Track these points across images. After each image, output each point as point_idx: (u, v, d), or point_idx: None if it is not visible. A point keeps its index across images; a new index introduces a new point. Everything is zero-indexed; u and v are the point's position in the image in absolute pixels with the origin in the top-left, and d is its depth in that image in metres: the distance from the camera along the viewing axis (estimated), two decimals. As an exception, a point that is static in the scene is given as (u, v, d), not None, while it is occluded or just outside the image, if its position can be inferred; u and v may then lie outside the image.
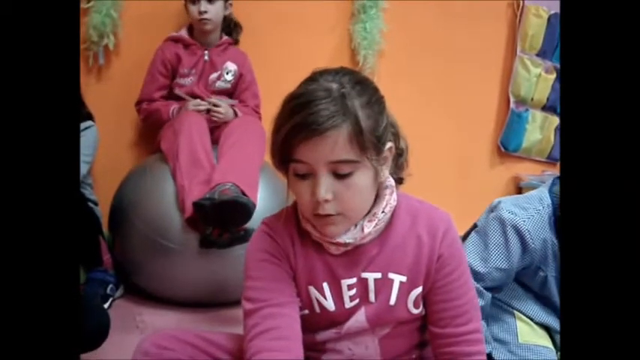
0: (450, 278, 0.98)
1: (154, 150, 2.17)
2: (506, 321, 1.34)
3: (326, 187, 0.88)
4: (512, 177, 2.96)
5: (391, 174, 0.99)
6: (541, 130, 2.94)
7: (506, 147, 2.93)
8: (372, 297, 0.99)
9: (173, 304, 1.92)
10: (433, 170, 2.57)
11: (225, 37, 2.29)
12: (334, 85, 0.88)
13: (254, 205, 1.77)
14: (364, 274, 0.98)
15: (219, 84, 2.24)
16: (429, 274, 0.98)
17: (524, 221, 1.26)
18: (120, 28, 2.29)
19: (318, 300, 0.99)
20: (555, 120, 2.94)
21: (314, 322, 1.01)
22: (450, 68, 2.76)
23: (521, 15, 2.81)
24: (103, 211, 2.09)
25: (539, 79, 2.86)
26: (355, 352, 1.03)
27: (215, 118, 2.11)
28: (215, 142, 2.01)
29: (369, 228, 0.95)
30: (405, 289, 0.99)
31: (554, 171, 2.92)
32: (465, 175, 2.89)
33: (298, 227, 1.00)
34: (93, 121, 2.09)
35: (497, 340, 1.31)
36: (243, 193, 1.79)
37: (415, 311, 1.00)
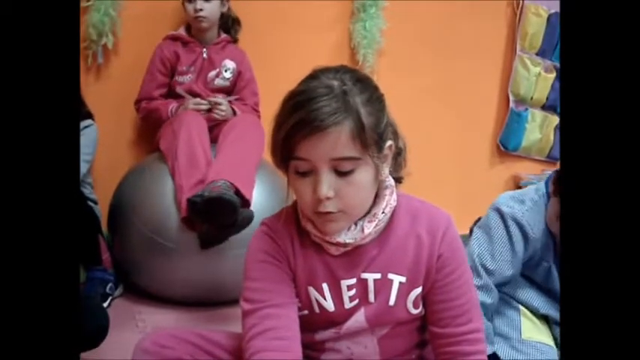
0: (451, 278, 0.98)
1: (153, 149, 2.17)
2: (510, 316, 1.35)
3: (328, 184, 0.88)
4: (511, 176, 2.96)
5: (390, 173, 0.99)
6: (541, 129, 2.94)
7: (506, 146, 2.92)
8: (371, 297, 0.99)
9: (172, 303, 1.93)
10: (433, 169, 2.57)
11: (223, 35, 2.28)
12: (335, 83, 0.88)
13: (240, 202, 1.76)
14: (364, 275, 0.98)
15: (218, 81, 2.24)
16: (429, 274, 0.98)
17: (522, 214, 1.29)
18: (119, 27, 2.28)
19: (317, 300, 0.99)
20: (555, 119, 2.93)
21: (313, 322, 1.01)
22: (449, 67, 2.75)
23: (520, 14, 2.80)
24: (102, 210, 2.09)
25: (538, 78, 2.86)
26: (354, 351, 1.03)
27: (217, 117, 2.10)
28: (214, 140, 2.01)
29: (369, 228, 0.95)
30: (405, 289, 0.98)
31: (554, 170, 2.92)
32: (465, 174, 2.88)
33: (298, 228, 1.00)
34: (92, 119, 2.09)
35: (499, 334, 1.32)
36: (238, 190, 1.79)
37: (414, 311, 1.00)
